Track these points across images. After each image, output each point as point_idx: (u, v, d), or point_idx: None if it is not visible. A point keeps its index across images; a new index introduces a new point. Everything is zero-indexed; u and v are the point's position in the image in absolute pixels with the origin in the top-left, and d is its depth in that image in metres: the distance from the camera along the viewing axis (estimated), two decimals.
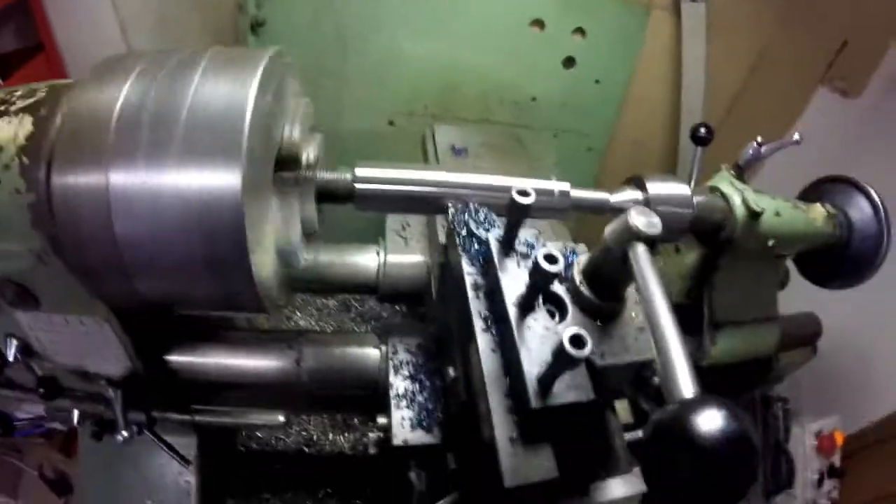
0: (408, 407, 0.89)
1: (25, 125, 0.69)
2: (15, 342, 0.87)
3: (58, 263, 0.71)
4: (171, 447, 1.00)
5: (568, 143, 2.06)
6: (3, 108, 0.71)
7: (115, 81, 0.70)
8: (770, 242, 1.01)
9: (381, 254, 1.25)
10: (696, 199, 0.90)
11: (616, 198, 0.87)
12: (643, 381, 0.93)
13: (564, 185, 0.84)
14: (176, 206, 0.65)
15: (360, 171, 0.81)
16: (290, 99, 0.84)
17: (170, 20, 1.76)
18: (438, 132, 1.39)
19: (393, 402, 0.90)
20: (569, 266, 0.71)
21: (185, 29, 1.81)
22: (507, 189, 0.69)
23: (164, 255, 0.69)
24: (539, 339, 0.64)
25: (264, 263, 0.74)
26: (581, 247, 0.77)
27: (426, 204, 0.83)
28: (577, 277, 0.69)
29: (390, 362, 0.95)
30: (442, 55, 1.84)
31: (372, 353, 1.01)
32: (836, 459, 1.77)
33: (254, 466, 1.36)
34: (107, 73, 0.72)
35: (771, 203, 1.00)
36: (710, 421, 0.42)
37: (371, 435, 0.94)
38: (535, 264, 0.62)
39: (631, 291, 0.70)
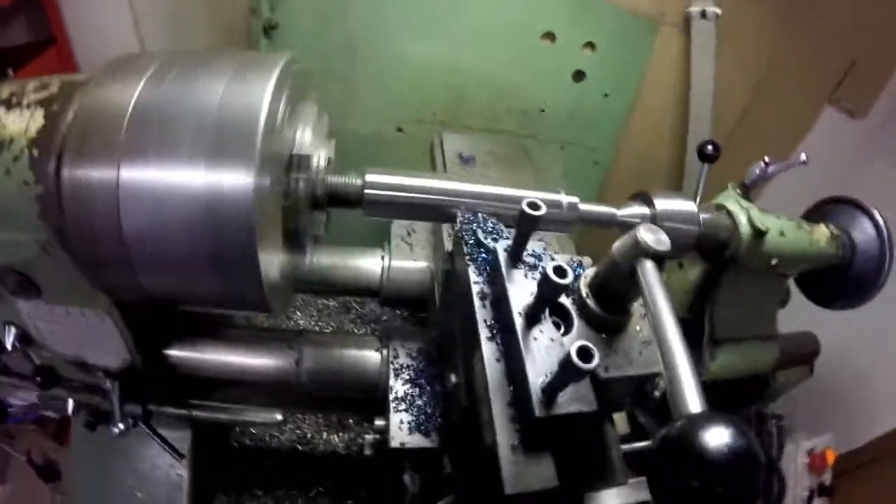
0: (406, 410, 0.90)
1: (37, 118, 0.69)
2: (14, 330, 0.87)
3: (62, 255, 0.71)
4: (165, 440, 0.99)
5: (574, 155, 2.06)
6: (15, 100, 0.71)
7: (130, 80, 0.70)
8: (773, 261, 1.01)
9: (386, 258, 1.26)
10: (702, 216, 0.91)
11: (623, 213, 0.87)
12: (644, 394, 0.94)
13: (573, 199, 0.84)
14: (186, 204, 0.65)
15: (371, 177, 0.81)
16: (305, 104, 0.84)
17: (181, 17, 1.76)
18: (446, 140, 1.40)
19: (392, 405, 0.90)
20: (576, 279, 0.71)
21: (196, 26, 1.81)
22: (517, 200, 0.69)
23: (171, 253, 0.68)
24: (544, 349, 0.64)
25: (271, 264, 0.74)
26: (587, 260, 0.77)
27: (435, 212, 0.83)
28: (584, 290, 0.69)
29: (391, 366, 0.96)
30: (451, 63, 1.84)
31: (372, 356, 1.01)
32: (827, 478, 1.77)
33: (246, 463, 1.35)
34: (121, 71, 0.72)
35: (776, 223, 1.00)
36: (717, 437, 0.42)
37: (367, 437, 0.94)
38: (545, 276, 0.62)
39: (636, 305, 0.71)
